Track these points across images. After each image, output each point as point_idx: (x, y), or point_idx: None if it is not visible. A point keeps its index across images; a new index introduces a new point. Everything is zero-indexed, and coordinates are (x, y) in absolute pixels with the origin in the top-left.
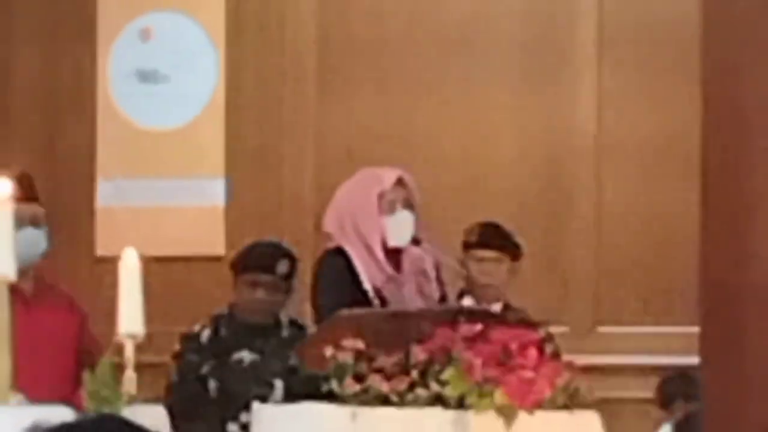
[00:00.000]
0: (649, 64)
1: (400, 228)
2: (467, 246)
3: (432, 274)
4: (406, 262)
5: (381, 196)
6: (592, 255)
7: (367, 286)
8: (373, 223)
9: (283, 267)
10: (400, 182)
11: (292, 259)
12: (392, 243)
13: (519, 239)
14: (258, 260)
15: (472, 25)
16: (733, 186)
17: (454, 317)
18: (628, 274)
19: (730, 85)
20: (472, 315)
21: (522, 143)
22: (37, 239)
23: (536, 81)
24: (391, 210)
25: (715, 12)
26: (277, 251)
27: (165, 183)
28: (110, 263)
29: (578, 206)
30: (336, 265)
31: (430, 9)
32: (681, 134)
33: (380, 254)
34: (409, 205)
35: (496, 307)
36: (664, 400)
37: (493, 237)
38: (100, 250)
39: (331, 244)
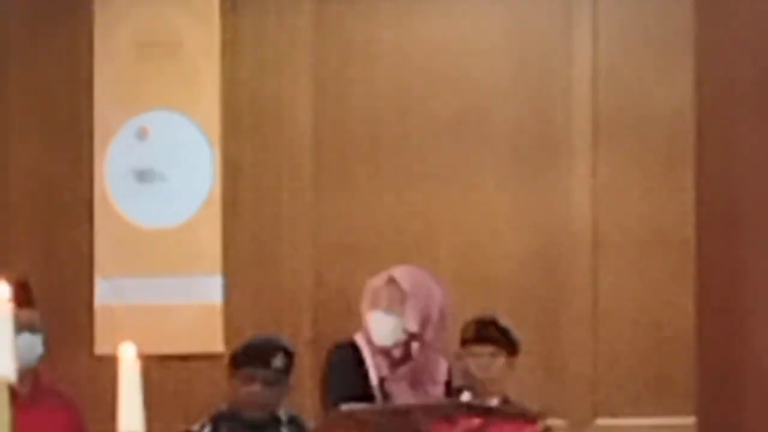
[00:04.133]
0: (644, 156)
1: (378, 327)
2: (464, 342)
3: (442, 378)
4: (417, 364)
5: (371, 292)
6: (588, 347)
7: (374, 380)
8: (365, 317)
9: (278, 361)
10: (390, 282)
11: (288, 354)
12: (375, 340)
13: (515, 334)
14: (253, 355)
15: (465, 118)
16: (728, 277)
17: (453, 412)
18: (625, 366)
19: (723, 178)
20: (471, 410)
21: (517, 235)
22: (33, 344)
23: (530, 173)
24: (373, 308)
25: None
26: (271, 345)
27: (163, 281)
28: (109, 361)
29: (574, 297)
30: (344, 359)
31: (423, 103)
32: (675, 226)
33: (375, 350)
34: (392, 306)
35: (495, 402)
36: None
37: (488, 332)
38: (99, 349)
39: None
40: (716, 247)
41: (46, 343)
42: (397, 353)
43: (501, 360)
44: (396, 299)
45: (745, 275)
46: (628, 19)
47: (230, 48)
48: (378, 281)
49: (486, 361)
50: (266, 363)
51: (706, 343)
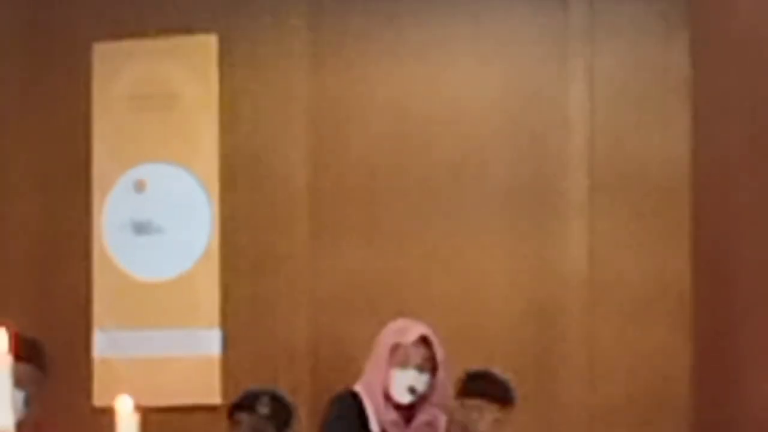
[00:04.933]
0: (640, 210)
1: (404, 384)
2: (457, 395)
3: (441, 431)
4: (420, 419)
5: (396, 347)
6: (585, 401)
7: (375, 430)
8: (379, 371)
9: (264, 407)
10: (422, 341)
11: (277, 400)
12: (394, 397)
13: (510, 386)
14: (241, 402)
15: (462, 171)
16: (724, 331)
17: None
18: (621, 417)
19: (718, 232)
20: None
21: (514, 288)
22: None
23: (527, 226)
24: (401, 365)
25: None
26: (259, 392)
27: (161, 334)
28: (108, 414)
29: (570, 351)
30: (346, 408)
31: (419, 156)
32: (672, 280)
33: (380, 401)
34: (424, 365)
35: None
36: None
37: (479, 386)
38: (98, 401)
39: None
40: (712, 300)
41: (29, 404)
42: (406, 406)
43: (493, 414)
44: (428, 357)
45: (741, 329)
46: (623, 74)
47: (228, 101)
48: (404, 338)
49: (476, 415)
50: (252, 409)
51: (702, 397)
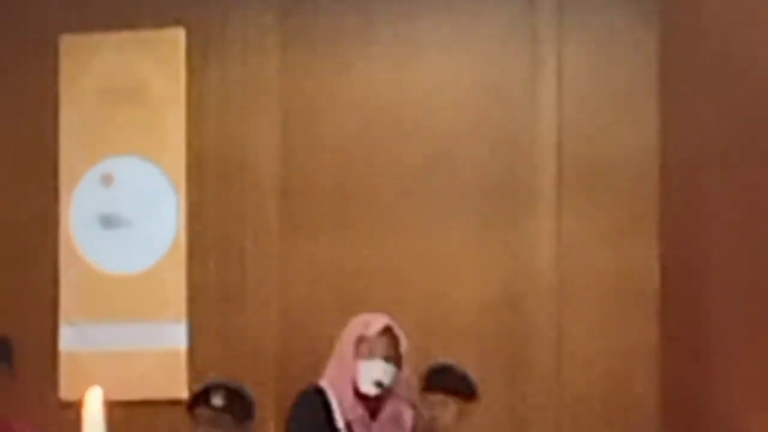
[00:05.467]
0: (609, 205)
1: (370, 376)
2: (421, 390)
3: (407, 424)
4: (386, 411)
5: (361, 340)
6: (553, 395)
7: (340, 425)
8: (346, 365)
9: (217, 399)
10: (386, 332)
11: (231, 392)
12: (362, 388)
13: (472, 380)
14: (197, 395)
15: (431, 167)
16: (693, 325)
17: None
18: (588, 415)
19: (687, 227)
20: None
21: (482, 283)
22: None
23: (496, 221)
24: (367, 356)
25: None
26: (213, 384)
27: (128, 327)
28: (75, 407)
29: (538, 345)
30: (311, 403)
31: (390, 152)
32: (640, 274)
33: (349, 395)
34: (389, 356)
35: None
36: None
37: (439, 380)
38: (64, 394)
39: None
40: (680, 293)
41: None
42: (372, 400)
43: (454, 408)
44: (392, 348)
45: (709, 321)
46: (592, 70)
47: (196, 94)
48: (368, 330)
49: (438, 410)
50: (205, 401)
51: (670, 389)
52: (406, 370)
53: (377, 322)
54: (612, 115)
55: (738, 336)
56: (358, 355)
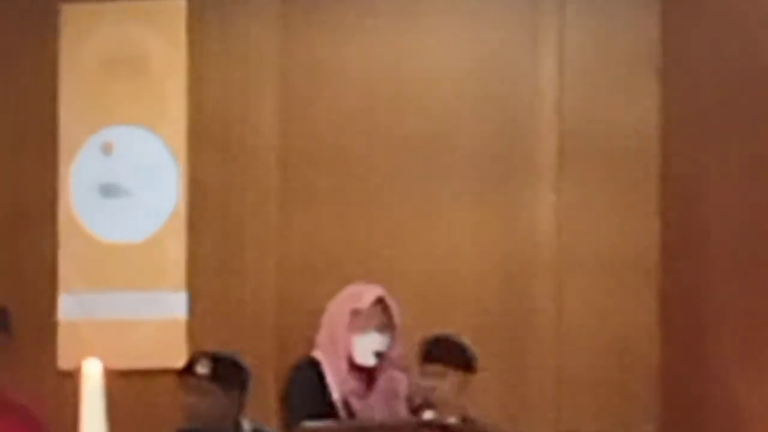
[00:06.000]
0: (609, 179)
1: (367, 348)
2: (419, 361)
3: (403, 393)
4: (381, 381)
5: (355, 312)
6: (552, 367)
7: (336, 396)
8: (342, 338)
9: (202, 367)
10: (379, 302)
11: (218, 361)
12: (358, 360)
13: (471, 351)
14: (186, 365)
15: (431, 140)
16: (693, 300)
17: (413, 430)
18: (588, 387)
19: (688, 201)
20: (432, 428)
21: (481, 256)
22: None
23: (496, 195)
24: (362, 329)
25: (674, 129)
26: (198, 354)
27: (127, 296)
28: (73, 377)
29: (538, 319)
30: (307, 375)
31: (391, 126)
32: (640, 249)
33: (344, 368)
34: (383, 327)
35: (453, 420)
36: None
37: (439, 352)
38: (63, 364)
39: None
40: (680, 265)
41: None
42: (366, 371)
43: (453, 379)
44: (384, 318)
45: (710, 298)
46: (593, 44)
47: (197, 64)
48: (361, 302)
49: (436, 381)
50: (189, 369)
51: (669, 366)
52: (399, 339)
53: (369, 293)
54: (613, 89)
55: (738, 310)
56: (353, 327)
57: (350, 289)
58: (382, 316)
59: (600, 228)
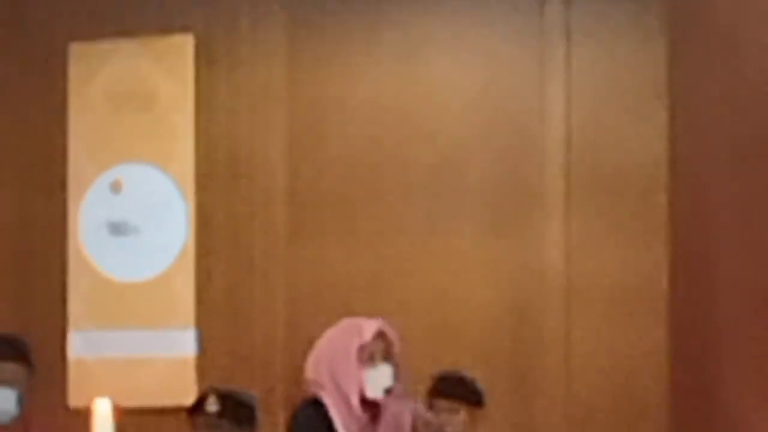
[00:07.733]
0: (616, 211)
1: (378, 380)
2: (427, 396)
3: (408, 427)
4: (386, 415)
5: (361, 348)
6: (561, 401)
7: None
8: (351, 374)
9: (211, 406)
10: (380, 335)
11: (226, 399)
12: (370, 395)
13: (479, 387)
14: (194, 404)
15: (439, 173)
16: (702, 331)
17: None
18: (597, 420)
19: (696, 233)
20: None
21: (490, 289)
22: (5, 399)
23: (504, 228)
24: (370, 362)
25: (682, 161)
26: (208, 391)
27: (136, 334)
28: (83, 414)
29: (546, 351)
30: (312, 416)
31: (397, 157)
32: (648, 280)
33: (356, 405)
34: (388, 357)
35: None
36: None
37: (447, 387)
38: (73, 401)
39: (309, 393)
40: (689, 300)
41: (22, 402)
42: (374, 404)
43: (461, 415)
44: (385, 349)
45: (719, 328)
46: (600, 75)
47: (204, 101)
48: (364, 337)
49: (445, 416)
50: (199, 408)
51: (679, 397)
52: (398, 369)
53: (368, 327)
54: (621, 119)
55: (748, 340)
56: (362, 363)
57: (347, 324)
58: (383, 346)
59: (608, 259)
